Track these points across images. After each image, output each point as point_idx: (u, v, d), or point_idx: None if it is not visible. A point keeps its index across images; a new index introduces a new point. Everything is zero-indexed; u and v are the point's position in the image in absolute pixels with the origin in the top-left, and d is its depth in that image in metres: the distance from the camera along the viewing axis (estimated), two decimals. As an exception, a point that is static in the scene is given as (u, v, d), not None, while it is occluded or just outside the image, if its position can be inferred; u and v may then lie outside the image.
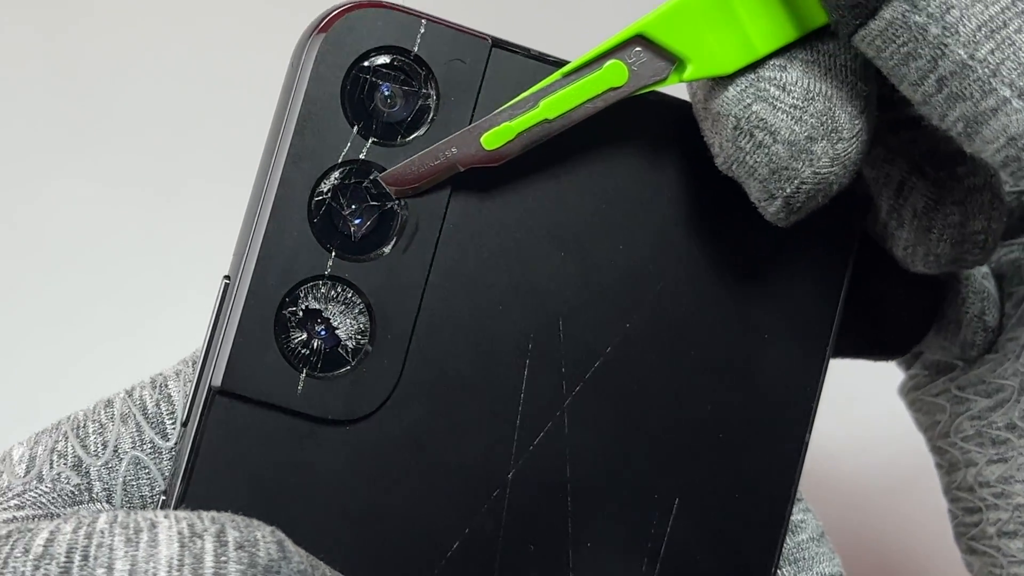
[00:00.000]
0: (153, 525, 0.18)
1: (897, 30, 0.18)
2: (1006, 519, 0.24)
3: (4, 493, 0.21)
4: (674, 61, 0.20)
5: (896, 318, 0.25)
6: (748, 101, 0.20)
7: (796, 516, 0.23)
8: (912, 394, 0.28)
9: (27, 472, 0.21)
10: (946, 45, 0.17)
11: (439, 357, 0.21)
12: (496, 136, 0.20)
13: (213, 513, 0.18)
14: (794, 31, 0.20)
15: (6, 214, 0.45)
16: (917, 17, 0.17)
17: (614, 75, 0.20)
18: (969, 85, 0.18)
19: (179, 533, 0.17)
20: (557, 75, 0.21)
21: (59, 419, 0.22)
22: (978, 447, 0.25)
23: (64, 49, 0.47)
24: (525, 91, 0.21)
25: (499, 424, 0.21)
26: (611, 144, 0.22)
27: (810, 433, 0.23)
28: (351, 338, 0.21)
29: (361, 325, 0.21)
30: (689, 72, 0.20)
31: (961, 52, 0.17)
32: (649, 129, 0.22)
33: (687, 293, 0.22)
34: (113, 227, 0.45)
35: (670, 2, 0.20)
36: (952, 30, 0.17)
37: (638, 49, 0.20)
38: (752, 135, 0.20)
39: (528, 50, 0.22)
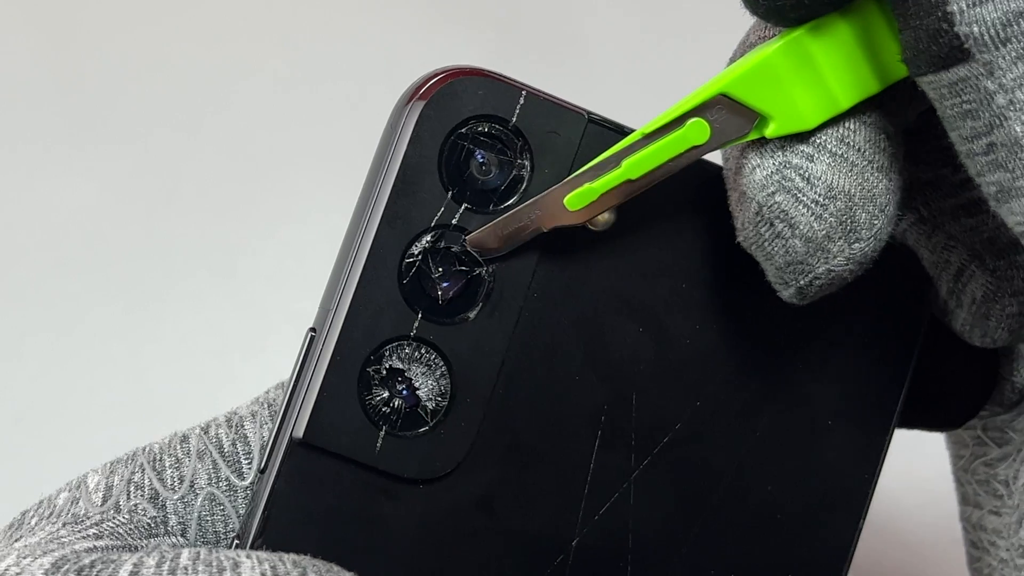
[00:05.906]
0: (236, 565, 0.18)
1: (966, 87, 0.18)
2: (995, 566, 0.25)
3: (82, 521, 0.21)
4: (755, 118, 0.20)
5: (953, 392, 0.25)
6: (772, 189, 0.20)
7: None
8: None
9: (104, 501, 0.22)
10: (1007, 118, 0.18)
11: (514, 423, 0.22)
12: (579, 197, 0.21)
13: (295, 556, 0.19)
14: (876, 84, 0.20)
15: (7, 214, 0.45)
16: (989, 83, 0.18)
17: (696, 133, 0.20)
18: (1014, 160, 0.18)
19: (262, 574, 0.18)
20: (637, 135, 0.21)
21: (133, 450, 0.23)
22: (985, 493, 0.25)
23: (65, 50, 0.47)
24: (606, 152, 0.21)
25: (567, 492, 0.22)
26: (689, 225, 0.22)
27: (864, 519, 0.23)
28: (431, 399, 0.21)
29: (441, 387, 0.21)
30: (772, 128, 0.20)
31: (1018, 129, 0.18)
32: (728, 215, 0.22)
33: (756, 375, 0.23)
34: (112, 227, 0.46)
35: (752, 60, 0.20)
36: (1018, 107, 0.17)
37: (720, 107, 0.20)
38: (772, 224, 0.20)
39: (622, 126, 0.22)
